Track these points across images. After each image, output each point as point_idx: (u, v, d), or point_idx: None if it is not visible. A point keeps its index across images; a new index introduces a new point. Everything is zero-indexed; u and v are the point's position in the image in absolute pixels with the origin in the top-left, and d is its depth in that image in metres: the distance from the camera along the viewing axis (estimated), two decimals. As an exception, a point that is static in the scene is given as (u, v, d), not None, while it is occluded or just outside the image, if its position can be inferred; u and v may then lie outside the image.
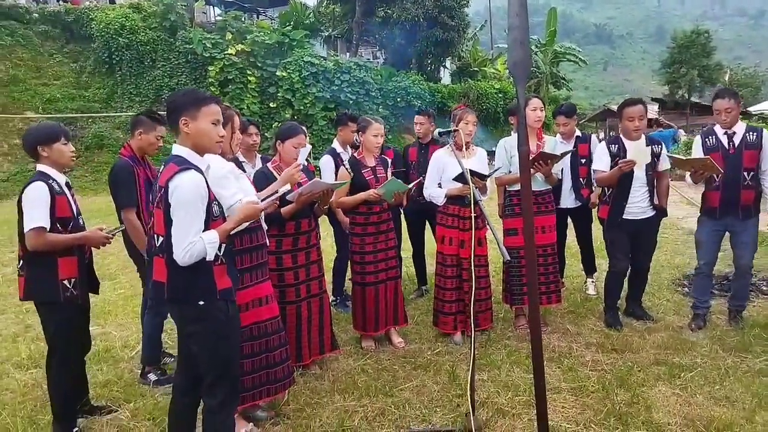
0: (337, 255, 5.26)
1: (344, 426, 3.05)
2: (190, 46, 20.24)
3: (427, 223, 5.39)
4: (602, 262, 5.79)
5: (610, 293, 4.53)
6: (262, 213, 2.99)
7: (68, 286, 2.87)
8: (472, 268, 3.10)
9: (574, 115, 5.22)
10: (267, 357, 3.07)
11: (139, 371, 3.77)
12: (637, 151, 4.09)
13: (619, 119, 4.38)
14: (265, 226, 3.15)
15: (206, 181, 2.26)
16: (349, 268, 4.46)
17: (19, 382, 3.73)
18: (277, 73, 20.55)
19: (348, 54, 26.22)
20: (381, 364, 3.87)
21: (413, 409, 3.23)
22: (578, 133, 5.24)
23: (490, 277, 4.46)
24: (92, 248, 3.10)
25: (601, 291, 5.08)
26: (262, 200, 2.60)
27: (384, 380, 3.61)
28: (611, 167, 4.20)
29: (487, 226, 3.30)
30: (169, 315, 3.78)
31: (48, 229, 2.76)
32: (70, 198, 2.95)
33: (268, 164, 3.60)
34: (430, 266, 5.62)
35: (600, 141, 5.04)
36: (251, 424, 3.04)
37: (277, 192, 2.78)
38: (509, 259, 2.71)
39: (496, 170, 4.21)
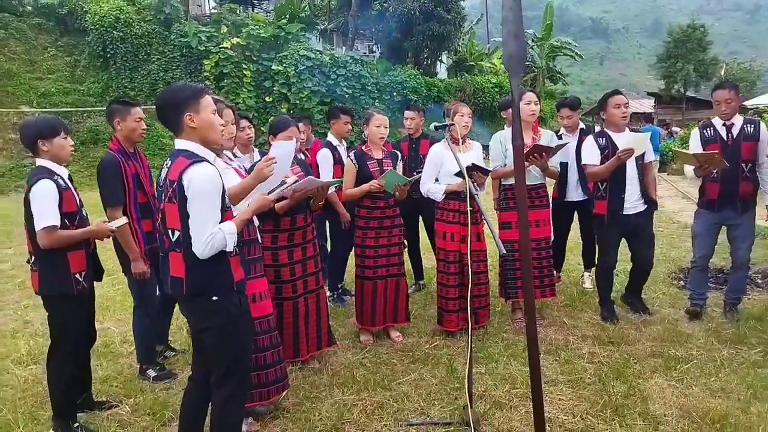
0: (333, 249, 5.27)
1: (344, 419, 3.07)
2: (185, 40, 20.15)
3: (420, 218, 5.38)
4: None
5: (602, 289, 4.55)
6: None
7: (79, 279, 2.92)
8: (470, 263, 3.12)
9: (578, 108, 5.24)
10: (257, 357, 3.00)
11: (138, 368, 3.78)
12: (634, 139, 4.11)
13: (603, 110, 4.37)
14: (257, 222, 3.13)
15: (219, 173, 2.26)
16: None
17: (19, 378, 3.73)
18: (273, 67, 20.49)
19: (344, 48, 26.16)
20: (379, 358, 3.90)
21: (412, 402, 3.25)
22: (582, 125, 5.25)
23: (489, 272, 4.47)
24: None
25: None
26: (268, 192, 2.62)
27: (382, 374, 3.63)
28: (601, 161, 4.21)
29: (484, 221, 3.32)
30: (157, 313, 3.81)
31: (59, 227, 2.79)
32: (74, 191, 2.97)
33: (262, 158, 3.59)
34: (426, 261, 5.66)
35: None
36: (250, 418, 3.05)
37: (284, 183, 2.79)
38: (505, 252, 2.72)
39: (496, 165, 4.22)
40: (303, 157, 4.40)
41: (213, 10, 23.86)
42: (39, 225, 2.75)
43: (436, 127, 3.39)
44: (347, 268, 5.34)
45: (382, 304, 4.14)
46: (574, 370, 3.59)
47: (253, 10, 26.78)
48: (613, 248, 4.42)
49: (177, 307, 3.59)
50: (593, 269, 5.52)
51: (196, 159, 2.23)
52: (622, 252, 4.55)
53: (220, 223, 2.24)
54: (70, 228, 2.86)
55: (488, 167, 4.13)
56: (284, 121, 3.64)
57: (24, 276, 6.52)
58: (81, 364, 3.15)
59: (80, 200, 3.02)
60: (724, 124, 4.15)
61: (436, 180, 4.18)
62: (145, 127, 3.59)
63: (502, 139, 4.32)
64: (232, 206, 2.48)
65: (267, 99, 20.23)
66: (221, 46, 19.98)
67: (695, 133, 4.34)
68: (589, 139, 4.39)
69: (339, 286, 5.25)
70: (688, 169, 4.23)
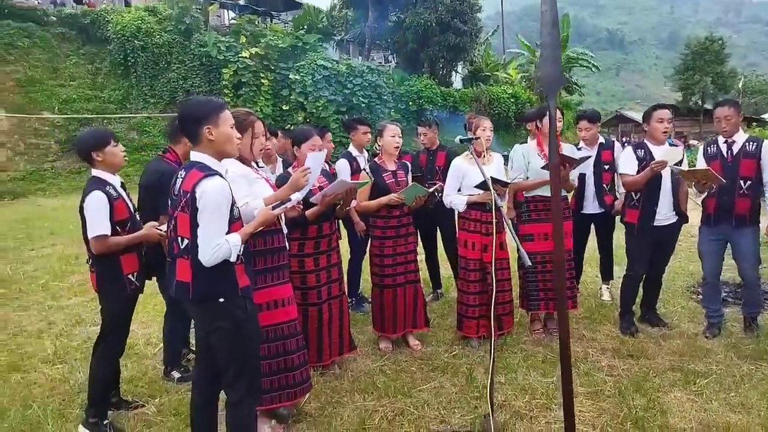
0: (351, 257, 5.33)
1: (365, 425, 3.12)
2: (205, 49, 20.48)
3: (438, 228, 5.42)
4: (616, 269, 5.84)
5: (626, 298, 4.56)
6: (283, 217, 3.09)
7: (132, 279, 3.10)
8: (494, 271, 3.16)
9: (598, 121, 5.24)
10: (285, 360, 3.11)
11: (162, 369, 3.86)
12: (668, 152, 4.15)
13: (647, 122, 4.41)
14: (285, 230, 3.21)
15: (229, 186, 2.35)
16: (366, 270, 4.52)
17: (47, 377, 3.83)
18: (290, 76, 20.75)
19: (360, 58, 26.41)
20: (399, 366, 3.94)
21: (432, 410, 3.29)
22: (602, 139, 5.25)
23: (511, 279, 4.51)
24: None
25: (615, 297, 5.13)
26: (273, 207, 2.68)
27: (402, 381, 3.68)
28: (638, 172, 4.25)
29: (507, 230, 3.36)
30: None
31: (109, 235, 2.95)
32: (126, 199, 3.12)
33: (290, 169, 3.68)
34: (443, 270, 5.70)
35: (624, 146, 5.06)
36: (273, 420, 3.11)
37: (289, 200, 2.84)
38: (530, 264, 2.76)
39: (516, 177, 4.27)
40: (327, 167, 4.48)
41: (232, 21, 24.28)
42: (91, 234, 2.94)
43: (461, 140, 3.45)
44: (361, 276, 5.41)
45: (402, 311, 4.20)
46: (593, 382, 3.60)
47: (271, 21, 27.17)
48: (643, 258, 4.43)
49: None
50: (611, 282, 5.55)
51: (209, 172, 2.32)
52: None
53: (227, 233, 2.34)
54: (122, 234, 3.03)
55: (507, 179, 4.18)
56: (307, 131, 3.73)
57: (47, 277, 6.68)
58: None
59: (132, 207, 3.19)
60: (725, 141, 4.18)
61: (459, 191, 4.24)
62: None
63: (525, 152, 4.37)
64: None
65: (284, 107, 20.47)
66: (240, 55, 20.28)
67: (701, 150, 4.39)
68: (628, 150, 4.45)
69: (357, 293, 5.31)
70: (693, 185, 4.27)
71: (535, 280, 4.41)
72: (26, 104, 18.49)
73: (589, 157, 4.60)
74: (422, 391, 3.54)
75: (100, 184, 3.01)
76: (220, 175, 2.35)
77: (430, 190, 4.18)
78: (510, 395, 3.45)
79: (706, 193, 4.27)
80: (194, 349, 4.20)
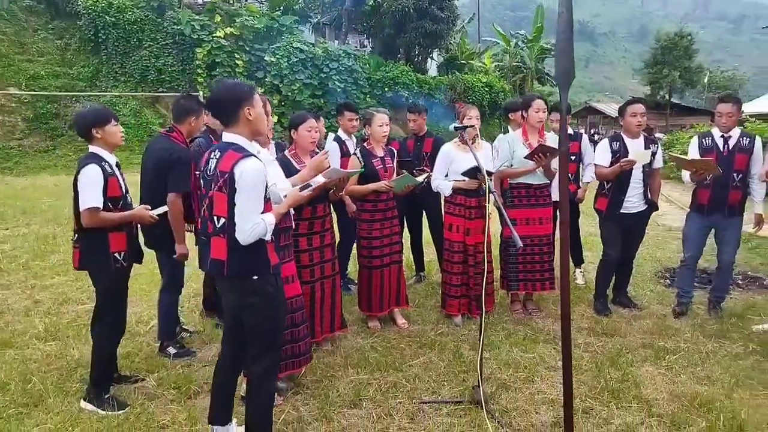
0: (340, 240, 5.45)
1: (361, 396, 3.29)
2: (178, 27, 20.06)
3: (423, 213, 5.59)
4: (588, 254, 6.12)
5: (601, 282, 4.82)
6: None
7: (118, 258, 3.11)
8: (485, 253, 3.35)
9: (569, 113, 5.47)
10: (292, 332, 3.28)
11: (158, 345, 3.95)
12: (639, 153, 4.39)
13: (621, 117, 4.65)
14: (292, 212, 3.34)
15: (264, 167, 2.45)
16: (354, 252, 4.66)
17: (43, 352, 3.87)
18: (266, 58, 20.52)
19: (336, 41, 26.22)
20: (389, 343, 4.11)
21: (423, 383, 3.47)
22: (570, 131, 5.49)
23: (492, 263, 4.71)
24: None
25: (589, 281, 5.40)
26: (300, 189, 2.82)
27: (393, 357, 3.85)
28: (611, 164, 4.48)
29: (492, 216, 3.54)
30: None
31: (101, 209, 2.98)
32: (119, 178, 3.15)
33: (286, 152, 3.78)
34: (427, 254, 5.88)
35: (591, 138, 5.31)
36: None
37: (312, 182, 2.99)
38: (521, 245, 2.95)
39: (501, 165, 4.45)
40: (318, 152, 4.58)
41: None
42: (83, 205, 2.96)
43: (455, 128, 3.61)
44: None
45: (387, 290, 4.38)
46: (572, 357, 3.83)
47: (246, 1, 26.68)
48: (614, 242, 4.70)
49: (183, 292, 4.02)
50: (583, 266, 5.83)
51: (246, 153, 2.42)
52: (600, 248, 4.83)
53: (261, 213, 2.44)
54: (113, 211, 3.06)
55: (492, 168, 4.36)
56: (302, 114, 3.83)
57: (26, 257, 6.61)
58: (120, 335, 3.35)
59: (125, 187, 3.22)
60: (722, 136, 4.43)
61: (446, 177, 4.40)
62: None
63: (511, 141, 4.57)
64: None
65: (259, 90, 20.20)
66: (214, 35, 19.94)
67: (694, 142, 4.63)
68: (604, 142, 4.69)
69: (345, 275, 5.45)
70: (685, 174, 4.51)
71: (516, 262, 4.62)
72: (-8, 79, 17.89)
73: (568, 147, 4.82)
74: (412, 365, 3.72)
75: (96, 159, 3.04)
76: (257, 157, 2.45)
77: (420, 179, 4.33)
78: (495, 369, 3.66)
79: (695, 182, 4.50)
80: (185, 327, 4.32)
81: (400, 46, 25.78)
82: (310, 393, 3.34)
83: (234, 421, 2.80)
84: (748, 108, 19.13)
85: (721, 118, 4.41)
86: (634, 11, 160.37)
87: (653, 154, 4.53)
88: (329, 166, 3.04)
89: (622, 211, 4.55)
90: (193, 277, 5.16)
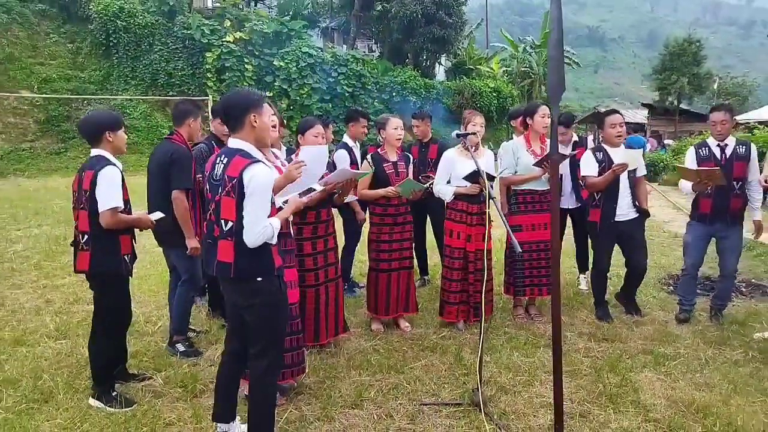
0: (345, 244, 5.53)
1: (362, 397, 3.35)
2: (188, 32, 20.33)
3: (428, 217, 5.66)
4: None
5: (597, 291, 4.86)
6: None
7: (127, 260, 3.20)
8: (485, 260, 3.41)
9: (572, 124, 5.54)
10: (290, 340, 3.26)
11: (165, 343, 4.03)
12: (628, 155, 4.44)
13: (601, 128, 4.70)
14: (291, 217, 3.40)
15: (272, 173, 2.53)
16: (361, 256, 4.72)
17: (54, 350, 3.97)
18: (275, 63, 20.74)
19: (344, 46, 26.40)
20: (391, 345, 4.17)
21: (423, 385, 3.53)
22: (575, 138, 5.55)
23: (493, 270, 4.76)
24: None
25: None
26: (300, 195, 2.95)
27: (395, 359, 3.91)
28: (599, 173, 4.52)
29: (494, 223, 3.60)
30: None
31: (121, 209, 3.09)
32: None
33: (292, 156, 3.87)
34: (431, 258, 5.94)
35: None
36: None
37: (315, 187, 3.07)
38: (520, 251, 3.01)
39: (503, 170, 4.51)
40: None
41: (216, 4, 24.03)
42: (105, 206, 3.02)
43: (458, 135, 3.68)
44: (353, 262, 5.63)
45: (395, 295, 4.43)
46: (571, 362, 3.88)
47: (256, 6, 26.95)
48: (606, 254, 4.73)
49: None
50: (587, 272, 5.86)
51: (253, 159, 2.50)
52: (615, 257, 4.87)
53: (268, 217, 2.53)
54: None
55: (494, 174, 4.42)
56: (311, 121, 3.93)
57: (38, 257, 6.74)
58: (119, 341, 3.42)
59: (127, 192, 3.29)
60: (718, 145, 4.46)
61: (448, 183, 4.46)
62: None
63: (514, 148, 4.63)
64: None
65: (268, 94, 20.44)
66: (224, 39, 20.19)
67: (691, 152, 4.64)
68: (588, 154, 4.71)
69: (349, 278, 5.52)
70: (685, 184, 4.53)
71: (522, 267, 4.67)
72: (4, 82, 18.18)
73: (567, 156, 4.91)
74: (414, 368, 3.78)
75: (111, 162, 3.12)
76: (264, 163, 2.53)
77: (425, 185, 4.40)
78: (495, 372, 3.71)
79: (696, 193, 4.51)
80: (192, 327, 4.40)
81: (408, 51, 25.94)
82: (313, 393, 3.41)
83: (238, 419, 2.87)
84: (759, 115, 18.99)
85: (715, 126, 4.44)
86: (644, 16, 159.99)
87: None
88: (299, 176, 3.01)
89: (615, 219, 4.57)
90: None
